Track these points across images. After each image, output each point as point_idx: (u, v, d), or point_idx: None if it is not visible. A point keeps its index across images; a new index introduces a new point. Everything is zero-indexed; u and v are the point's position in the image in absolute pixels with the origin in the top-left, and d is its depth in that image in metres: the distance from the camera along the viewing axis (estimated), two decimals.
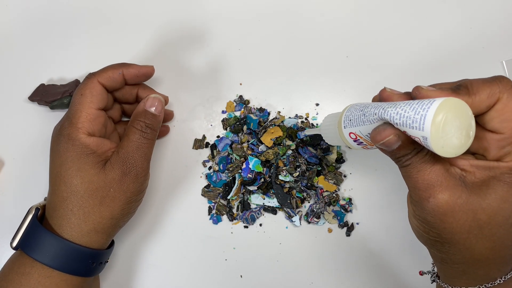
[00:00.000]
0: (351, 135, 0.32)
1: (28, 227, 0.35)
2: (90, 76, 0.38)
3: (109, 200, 0.35)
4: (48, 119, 0.46)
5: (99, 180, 0.34)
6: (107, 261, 0.39)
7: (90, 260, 0.35)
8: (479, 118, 0.27)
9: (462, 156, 0.27)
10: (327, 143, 0.45)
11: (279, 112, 0.46)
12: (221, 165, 0.44)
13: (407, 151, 0.27)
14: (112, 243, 0.40)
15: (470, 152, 0.29)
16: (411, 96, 0.28)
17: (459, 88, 0.27)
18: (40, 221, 0.36)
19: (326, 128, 0.37)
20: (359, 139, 0.32)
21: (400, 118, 0.25)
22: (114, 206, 0.35)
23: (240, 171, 0.44)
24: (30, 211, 0.36)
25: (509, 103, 0.26)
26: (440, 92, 0.26)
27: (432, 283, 0.35)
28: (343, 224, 0.43)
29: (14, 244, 0.35)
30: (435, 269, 0.34)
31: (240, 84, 0.47)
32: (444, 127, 0.24)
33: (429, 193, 0.27)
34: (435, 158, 0.27)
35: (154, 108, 0.38)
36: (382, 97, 0.29)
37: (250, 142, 0.45)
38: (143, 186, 0.37)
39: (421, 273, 0.38)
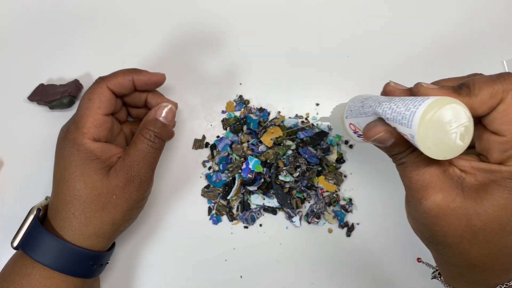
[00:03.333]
0: (351, 126, 0.32)
1: (29, 227, 0.35)
2: (100, 80, 0.37)
3: (111, 207, 0.35)
4: (47, 119, 0.46)
5: (102, 186, 0.34)
6: (108, 263, 0.39)
7: (90, 262, 0.35)
8: (483, 118, 0.26)
9: (463, 156, 0.26)
10: (327, 143, 0.45)
11: (279, 112, 0.46)
12: (221, 165, 0.44)
13: (402, 148, 0.26)
14: (113, 245, 0.40)
15: (475, 153, 0.28)
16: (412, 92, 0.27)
17: (461, 88, 0.25)
18: (42, 221, 0.36)
19: (334, 117, 0.36)
20: (357, 131, 0.32)
21: (391, 113, 0.25)
22: (115, 213, 0.35)
23: (240, 171, 0.43)
24: (31, 211, 0.36)
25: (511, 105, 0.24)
26: (440, 90, 0.25)
27: (432, 279, 0.35)
28: (343, 224, 0.43)
29: (15, 244, 0.35)
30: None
31: (240, 84, 0.47)
32: (433, 126, 0.23)
33: (422, 194, 0.26)
34: (432, 158, 0.26)
35: (164, 117, 0.37)
36: (385, 91, 0.29)
37: (250, 142, 0.45)
38: (145, 194, 0.37)
39: (419, 260, 0.38)
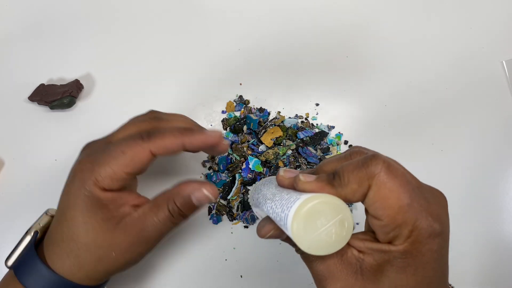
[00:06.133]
0: (257, 213, 0.32)
1: (24, 251, 0.33)
2: (145, 139, 0.31)
3: (107, 260, 0.32)
4: (48, 119, 0.46)
5: (104, 241, 0.31)
6: None
7: None
8: (364, 204, 0.26)
9: (359, 235, 0.26)
10: (327, 143, 0.45)
11: (279, 112, 0.46)
12: (221, 165, 0.44)
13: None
14: None
15: (371, 230, 0.27)
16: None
17: (334, 178, 0.25)
18: (38, 242, 0.34)
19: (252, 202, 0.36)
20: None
21: (272, 213, 0.25)
22: (111, 267, 0.32)
23: (240, 171, 0.43)
24: (28, 232, 0.34)
25: (379, 190, 0.24)
26: (315, 183, 0.25)
27: None
28: None
29: (9, 263, 0.33)
30: None
31: (240, 84, 0.47)
32: (306, 227, 0.23)
33: (323, 285, 0.26)
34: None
35: (198, 200, 0.31)
36: (277, 180, 0.28)
37: (250, 142, 0.45)
38: (145, 255, 0.34)
39: None
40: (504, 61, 0.48)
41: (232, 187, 0.43)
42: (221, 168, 0.44)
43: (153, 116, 0.35)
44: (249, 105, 0.46)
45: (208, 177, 0.44)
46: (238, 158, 0.44)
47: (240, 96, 0.46)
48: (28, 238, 0.34)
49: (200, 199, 0.31)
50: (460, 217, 0.43)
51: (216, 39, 0.48)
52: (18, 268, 0.33)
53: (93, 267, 0.32)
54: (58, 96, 0.44)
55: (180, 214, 0.32)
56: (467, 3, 0.49)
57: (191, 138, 0.32)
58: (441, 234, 0.24)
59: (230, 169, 0.44)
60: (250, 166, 0.43)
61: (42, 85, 0.45)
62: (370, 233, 0.27)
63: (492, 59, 0.48)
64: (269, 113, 0.46)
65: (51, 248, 0.32)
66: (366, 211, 0.26)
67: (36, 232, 0.34)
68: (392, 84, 0.47)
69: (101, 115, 0.46)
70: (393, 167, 0.24)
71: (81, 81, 0.46)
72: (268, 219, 0.27)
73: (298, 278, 0.43)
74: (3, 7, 0.49)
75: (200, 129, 0.36)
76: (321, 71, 0.47)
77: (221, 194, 0.44)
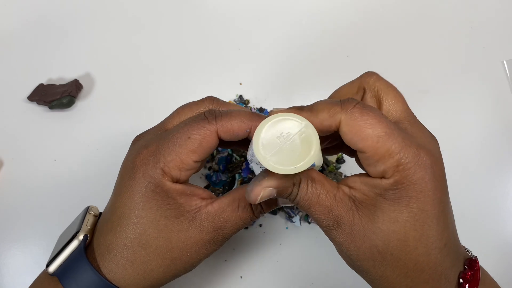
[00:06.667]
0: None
1: (71, 256, 0.29)
2: (211, 120, 0.27)
3: (180, 263, 0.28)
4: (47, 119, 0.46)
5: (179, 241, 0.28)
6: None
7: None
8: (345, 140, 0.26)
9: (352, 177, 0.26)
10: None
11: None
12: (221, 165, 0.44)
13: (286, 190, 0.26)
14: None
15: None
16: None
17: (303, 107, 0.26)
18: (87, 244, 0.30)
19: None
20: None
21: (249, 155, 0.25)
22: (181, 269, 0.29)
23: (240, 171, 0.43)
24: (76, 237, 0.29)
25: (353, 121, 0.24)
26: (285, 110, 0.26)
27: None
28: None
29: (51, 270, 0.29)
30: None
31: (240, 84, 0.47)
32: (268, 143, 0.23)
33: (329, 223, 0.26)
34: (321, 187, 0.26)
35: (257, 199, 0.27)
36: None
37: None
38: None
39: None
40: (505, 61, 0.48)
41: (232, 187, 0.43)
42: (221, 168, 0.44)
43: (212, 99, 0.31)
44: (249, 105, 0.46)
45: (208, 177, 0.44)
46: (238, 158, 0.44)
47: (240, 96, 0.46)
48: (75, 243, 0.29)
49: (257, 196, 0.27)
50: (461, 217, 0.43)
51: (216, 39, 0.48)
52: (63, 276, 0.28)
53: (161, 274, 0.29)
54: (58, 96, 0.44)
55: (260, 212, 0.30)
56: (468, 3, 0.49)
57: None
58: (433, 167, 0.24)
59: (230, 169, 0.44)
60: (250, 166, 0.43)
61: (41, 85, 0.45)
62: (363, 174, 0.27)
63: (492, 59, 0.48)
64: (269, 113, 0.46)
65: (109, 257, 0.28)
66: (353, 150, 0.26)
67: (86, 236, 0.29)
68: (392, 83, 0.47)
69: (100, 115, 0.46)
70: (369, 107, 0.25)
71: (80, 81, 0.46)
72: (252, 185, 0.26)
73: (298, 278, 0.43)
74: (2, 7, 0.49)
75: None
76: (321, 71, 0.47)
77: (220, 194, 0.44)
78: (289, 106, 0.28)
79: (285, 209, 0.43)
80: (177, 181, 0.28)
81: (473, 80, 0.48)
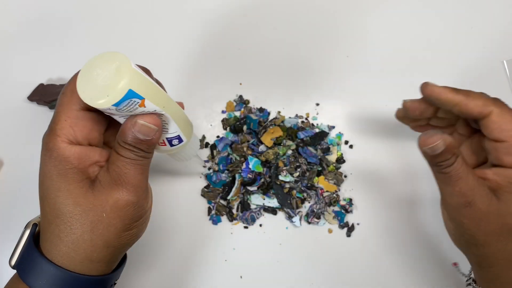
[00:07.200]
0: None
1: (24, 246, 0.30)
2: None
3: (102, 227, 0.28)
4: (47, 119, 0.45)
5: (87, 202, 0.28)
6: (115, 283, 0.33)
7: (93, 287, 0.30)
8: (483, 130, 0.31)
9: (486, 166, 0.32)
10: (327, 143, 0.45)
11: (279, 112, 0.46)
12: (221, 165, 0.44)
13: (448, 156, 0.29)
14: (123, 259, 0.33)
15: (492, 164, 0.32)
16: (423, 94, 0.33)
17: (459, 90, 0.31)
18: (38, 238, 0.31)
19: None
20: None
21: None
22: (108, 234, 0.29)
23: (240, 171, 0.43)
24: (27, 226, 0.31)
25: (503, 115, 0.30)
26: (440, 87, 0.32)
27: (466, 286, 0.37)
28: (343, 224, 0.43)
29: (12, 263, 0.30)
30: (472, 274, 0.36)
31: (240, 84, 0.47)
32: (84, 79, 0.26)
33: (466, 200, 0.30)
34: (468, 168, 0.30)
35: (142, 134, 0.28)
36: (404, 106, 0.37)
37: (250, 142, 0.44)
38: (144, 209, 0.30)
39: (455, 265, 0.41)
40: (505, 61, 0.48)
41: (232, 187, 0.43)
42: (221, 168, 0.44)
43: None
44: (249, 105, 0.46)
45: (208, 177, 0.44)
46: (238, 158, 0.44)
47: (240, 96, 0.46)
48: (27, 233, 0.31)
49: (141, 132, 0.28)
50: None
51: (216, 39, 0.48)
52: (19, 267, 0.30)
53: (89, 243, 0.28)
54: (57, 96, 0.44)
55: (141, 150, 0.29)
56: (468, 3, 0.49)
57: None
58: None
59: (230, 169, 0.44)
60: (250, 166, 0.43)
61: (41, 85, 0.45)
62: (491, 167, 0.32)
63: (492, 59, 0.48)
64: (269, 113, 0.46)
65: (44, 237, 0.29)
66: (487, 141, 0.31)
67: (35, 225, 0.31)
68: (393, 83, 0.47)
69: None
70: None
71: None
72: (435, 131, 0.30)
73: (298, 278, 0.43)
74: (2, 7, 0.49)
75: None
76: (321, 71, 0.47)
77: (220, 194, 0.44)
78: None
79: (285, 209, 0.43)
80: (76, 142, 0.29)
81: (473, 80, 0.48)
